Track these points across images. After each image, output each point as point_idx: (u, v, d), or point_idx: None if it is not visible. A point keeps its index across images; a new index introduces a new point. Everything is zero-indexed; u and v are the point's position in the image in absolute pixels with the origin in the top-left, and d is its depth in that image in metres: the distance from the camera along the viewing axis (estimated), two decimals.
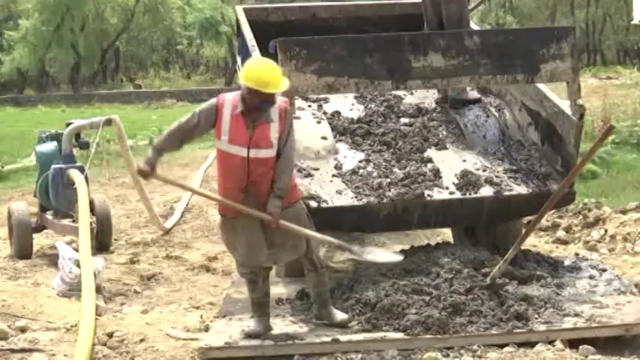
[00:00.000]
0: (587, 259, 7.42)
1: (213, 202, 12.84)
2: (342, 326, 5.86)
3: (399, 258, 6.01)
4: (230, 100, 5.64)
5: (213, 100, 5.71)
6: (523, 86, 7.47)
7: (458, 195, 6.86)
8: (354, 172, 7.01)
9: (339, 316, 5.96)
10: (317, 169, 7.01)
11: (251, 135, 5.55)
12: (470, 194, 6.86)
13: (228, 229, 5.78)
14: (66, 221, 9.29)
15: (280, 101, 5.68)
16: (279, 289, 6.80)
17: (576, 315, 5.86)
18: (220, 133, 5.61)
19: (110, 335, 5.95)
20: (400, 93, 8.15)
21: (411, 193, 6.76)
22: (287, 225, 5.66)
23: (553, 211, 9.53)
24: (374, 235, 9.00)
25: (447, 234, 9.15)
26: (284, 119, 5.64)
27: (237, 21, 9.50)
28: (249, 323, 5.86)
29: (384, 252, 6.33)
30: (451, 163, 7.19)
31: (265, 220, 5.59)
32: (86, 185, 8.81)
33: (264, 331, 5.75)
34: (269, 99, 5.54)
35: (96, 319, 6.11)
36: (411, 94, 8.24)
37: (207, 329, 6.22)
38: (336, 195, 6.76)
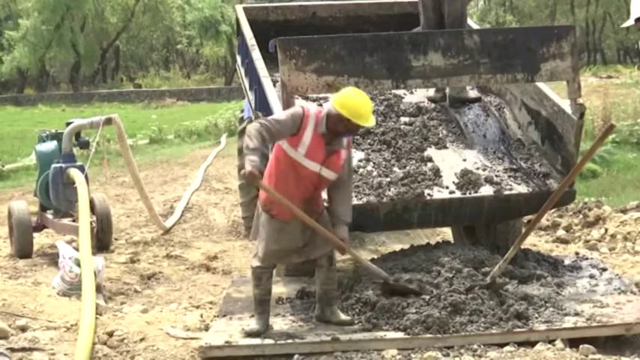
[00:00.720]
0: (587, 259, 7.42)
1: (213, 202, 12.95)
2: (344, 325, 5.86)
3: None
4: (313, 115, 5.73)
5: (298, 111, 5.74)
6: (523, 85, 7.47)
7: (458, 194, 6.86)
8: (354, 171, 7.00)
9: (343, 316, 5.97)
10: None
11: (326, 156, 5.72)
12: (470, 193, 6.86)
13: (275, 228, 5.82)
14: (66, 220, 9.29)
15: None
16: (279, 289, 6.79)
17: (576, 314, 5.86)
18: (298, 145, 5.68)
19: (110, 334, 5.94)
20: (400, 92, 8.14)
21: (411, 193, 6.76)
22: (354, 253, 6.08)
23: (553, 210, 9.54)
24: (374, 234, 9.01)
25: (447, 233, 9.16)
26: (349, 148, 5.91)
27: (237, 20, 9.51)
28: (249, 322, 5.86)
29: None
30: (451, 162, 7.19)
31: (338, 245, 5.79)
32: (86, 184, 8.82)
33: (264, 330, 5.75)
34: (354, 129, 5.78)
35: (96, 318, 6.11)
36: (411, 93, 8.23)
37: (207, 328, 6.22)
38: None
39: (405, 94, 8.22)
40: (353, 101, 5.65)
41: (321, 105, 7.98)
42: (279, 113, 6.05)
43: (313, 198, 5.83)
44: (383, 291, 6.04)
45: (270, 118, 5.82)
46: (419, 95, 8.22)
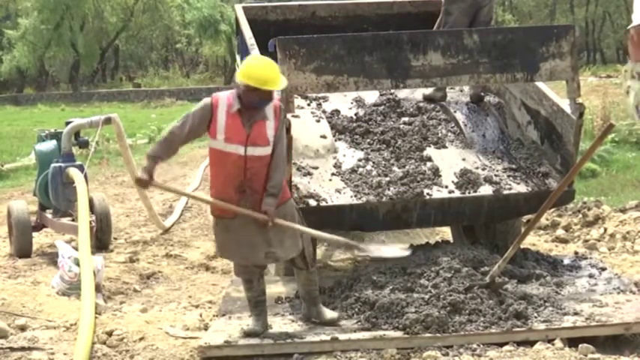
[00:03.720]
0: (586, 258, 7.42)
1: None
2: (333, 324, 5.85)
3: (405, 253, 6.04)
4: (224, 98, 5.62)
5: (206, 101, 5.67)
6: (522, 85, 7.47)
7: (457, 194, 6.86)
8: (353, 170, 7.01)
9: (329, 314, 5.95)
10: (316, 168, 7.01)
11: (248, 133, 5.56)
12: (469, 193, 6.87)
13: (223, 230, 5.77)
14: (65, 220, 9.29)
15: (274, 99, 5.71)
16: (278, 288, 6.80)
17: (576, 314, 5.86)
18: (216, 133, 5.60)
19: (110, 334, 5.94)
20: (399, 91, 8.14)
21: (410, 192, 6.77)
22: (283, 223, 5.67)
23: (552, 209, 9.53)
24: (373, 233, 9.00)
25: (446, 233, 9.15)
26: (278, 117, 5.67)
27: (237, 19, 9.51)
28: (248, 322, 5.86)
29: (389, 247, 6.35)
30: (450, 161, 7.19)
31: (260, 219, 5.59)
32: (85, 184, 8.82)
33: (263, 330, 5.75)
34: (267, 97, 5.56)
35: (95, 317, 6.11)
36: (411, 92, 8.23)
37: (206, 328, 6.22)
38: (335, 194, 6.76)
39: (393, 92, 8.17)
40: (255, 69, 5.53)
41: (320, 105, 8.00)
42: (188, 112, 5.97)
43: (251, 185, 5.60)
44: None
45: (180, 118, 5.75)
46: (405, 92, 8.18)
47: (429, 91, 8.04)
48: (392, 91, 8.00)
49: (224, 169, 5.63)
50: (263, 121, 5.59)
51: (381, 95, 8.12)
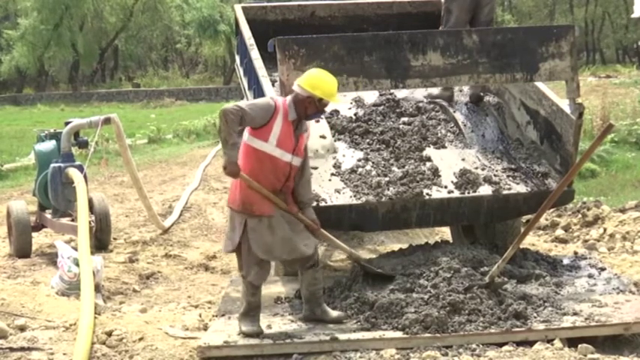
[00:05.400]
0: (586, 258, 7.41)
1: (211, 202, 12.96)
2: (338, 322, 5.88)
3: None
4: (281, 105, 5.75)
5: (270, 102, 5.76)
6: (522, 85, 7.47)
7: (457, 194, 6.86)
8: (352, 170, 7.01)
9: (334, 313, 5.98)
10: (316, 168, 7.00)
11: (295, 143, 5.76)
12: (469, 193, 6.86)
13: (267, 230, 5.76)
14: (65, 220, 9.29)
15: None
16: (277, 288, 6.80)
17: (575, 314, 5.85)
18: (269, 136, 5.68)
19: (109, 334, 5.94)
20: (398, 91, 8.13)
21: (409, 192, 6.77)
22: (325, 234, 6.08)
23: (552, 209, 9.53)
24: (373, 233, 9.01)
25: (445, 233, 9.15)
26: (309, 133, 6.00)
27: (236, 19, 9.51)
28: (242, 324, 5.82)
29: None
30: (450, 161, 7.19)
31: (310, 226, 5.87)
32: (85, 184, 8.82)
33: (261, 330, 5.74)
34: (323, 109, 5.85)
35: (95, 317, 6.10)
36: (411, 93, 8.23)
37: (205, 328, 6.22)
38: (334, 194, 6.76)
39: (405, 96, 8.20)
40: (323, 81, 5.73)
41: None
42: (253, 101, 6.04)
43: (286, 190, 5.82)
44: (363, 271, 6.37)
45: (246, 104, 5.78)
46: (405, 92, 8.18)
47: (436, 91, 8.04)
48: (391, 91, 8.00)
49: (267, 171, 5.72)
50: (303, 135, 5.85)
51: (380, 95, 8.12)
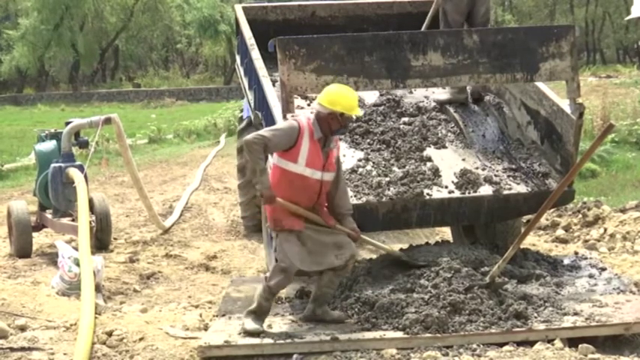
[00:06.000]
0: (586, 258, 7.42)
1: (212, 202, 12.96)
2: (339, 322, 5.89)
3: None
4: (306, 124, 5.80)
5: (293, 124, 5.80)
6: (522, 85, 7.47)
7: (457, 194, 6.86)
8: (353, 170, 7.01)
9: (336, 313, 6.01)
10: None
11: (324, 160, 5.82)
12: (469, 193, 6.86)
13: (294, 243, 5.84)
14: (65, 220, 9.29)
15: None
16: None
17: (575, 314, 5.86)
18: (298, 157, 5.75)
19: (109, 334, 5.94)
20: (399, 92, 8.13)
21: (410, 192, 6.77)
22: (366, 239, 6.30)
23: (552, 209, 9.53)
24: (373, 233, 8.99)
25: (446, 233, 9.15)
26: (338, 146, 6.04)
27: (237, 19, 9.51)
28: (245, 321, 5.83)
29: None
30: (450, 161, 7.19)
31: (351, 234, 5.97)
32: (85, 184, 8.82)
33: (263, 329, 5.75)
34: (347, 124, 5.91)
35: (95, 317, 6.11)
36: (410, 92, 8.23)
37: (206, 328, 6.22)
38: None
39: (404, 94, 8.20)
40: (342, 95, 5.79)
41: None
42: (275, 126, 6.06)
43: (319, 207, 5.93)
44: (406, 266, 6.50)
45: (268, 130, 5.85)
46: (418, 95, 8.20)
47: (448, 94, 8.01)
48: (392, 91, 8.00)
49: (298, 190, 5.80)
50: (333, 150, 5.90)
51: (380, 95, 8.12)
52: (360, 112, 5.97)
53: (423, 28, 8.40)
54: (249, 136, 5.74)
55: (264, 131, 5.85)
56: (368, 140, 7.42)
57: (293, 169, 5.77)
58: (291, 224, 5.83)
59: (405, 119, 7.76)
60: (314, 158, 5.77)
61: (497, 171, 7.12)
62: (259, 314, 5.84)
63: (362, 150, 7.30)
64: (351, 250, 5.96)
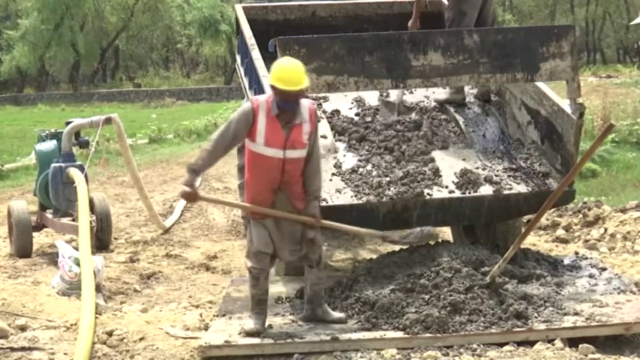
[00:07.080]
0: (586, 258, 7.41)
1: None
2: (340, 323, 5.88)
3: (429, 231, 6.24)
4: (264, 102, 5.74)
5: (247, 106, 5.78)
6: (523, 85, 7.46)
7: (457, 194, 6.86)
8: (353, 170, 7.01)
9: (336, 314, 6.00)
10: None
11: (286, 136, 5.70)
12: (469, 193, 6.86)
13: (259, 228, 5.84)
14: (66, 220, 9.29)
15: (309, 103, 5.86)
16: (278, 288, 6.80)
17: (576, 314, 5.85)
18: (256, 136, 5.70)
19: (110, 334, 5.94)
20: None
21: (410, 192, 6.76)
22: (329, 223, 6.00)
23: (553, 209, 9.53)
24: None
25: (446, 233, 9.15)
26: (314, 121, 5.84)
27: (237, 19, 9.51)
28: (246, 322, 5.84)
29: (415, 233, 6.54)
30: (451, 161, 7.19)
31: (308, 222, 5.82)
32: (86, 184, 8.82)
33: (263, 329, 5.75)
34: (292, 99, 5.67)
35: (96, 317, 6.11)
36: (411, 92, 8.22)
37: (206, 328, 6.22)
38: (335, 194, 6.76)
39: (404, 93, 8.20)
40: (281, 69, 5.67)
41: (320, 105, 7.99)
42: (229, 118, 6.02)
43: (287, 187, 5.80)
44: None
45: (222, 127, 5.82)
46: (418, 95, 8.19)
47: (446, 94, 8.01)
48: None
49: (263, 172, 5.74)
50: (300, 125, 5.73)
51: (381, 95, 8.12)
52: (296, 88, 5.60)
53: (409, 24, 8.34)
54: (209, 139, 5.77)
55: (220, 130, 5.82)
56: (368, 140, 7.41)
57: (253, 148, 5.72)
58: (254, 214, 5.84)
59: (406, 117, 7.74)
60: (273, 136, 5.67)
61: (497, 171, 7.12)
62: (256, 309, 5.83)
63: (362, 150, 7.29)
64: (308, 247, 5.88)
